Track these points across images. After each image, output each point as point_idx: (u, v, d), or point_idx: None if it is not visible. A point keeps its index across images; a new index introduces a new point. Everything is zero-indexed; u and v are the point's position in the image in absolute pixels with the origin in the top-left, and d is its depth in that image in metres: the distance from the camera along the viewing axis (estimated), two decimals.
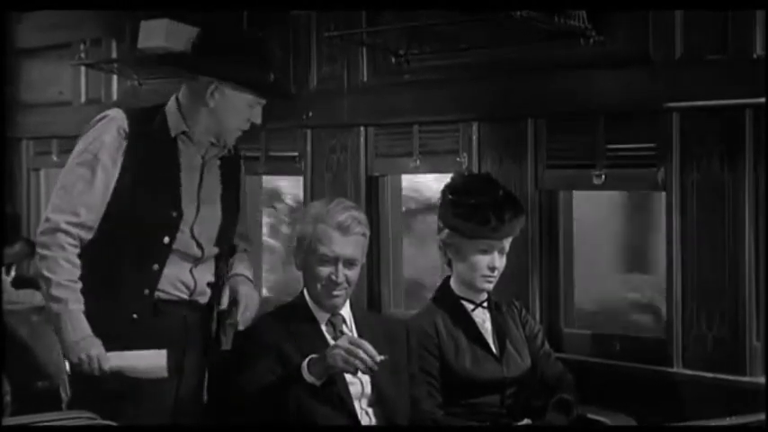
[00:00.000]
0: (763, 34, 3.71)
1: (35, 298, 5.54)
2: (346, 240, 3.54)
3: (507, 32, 4.21)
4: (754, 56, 3.72)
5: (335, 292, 3.55)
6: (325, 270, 3.54)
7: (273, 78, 3.61)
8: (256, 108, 3.59)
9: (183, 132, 3.60)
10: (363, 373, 3.34)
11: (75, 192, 3.50)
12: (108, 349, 3.45)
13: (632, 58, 4.01)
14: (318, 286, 3.56)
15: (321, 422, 3.40)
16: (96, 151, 3.51)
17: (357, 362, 3.26)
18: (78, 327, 3.45)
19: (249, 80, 3.53)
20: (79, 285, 3.47)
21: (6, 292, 5.37)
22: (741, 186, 3.77)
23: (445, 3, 4.23)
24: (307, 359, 3.33)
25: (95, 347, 3.44)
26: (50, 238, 3.46)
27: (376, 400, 3.53)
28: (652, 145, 4.00)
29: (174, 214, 3.56)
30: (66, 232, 3.47)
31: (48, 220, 3.49)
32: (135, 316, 3.53)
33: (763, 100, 3.67)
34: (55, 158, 6.50)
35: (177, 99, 3.63)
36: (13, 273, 5.64)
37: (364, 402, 3.52)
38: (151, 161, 3.55)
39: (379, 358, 3.28)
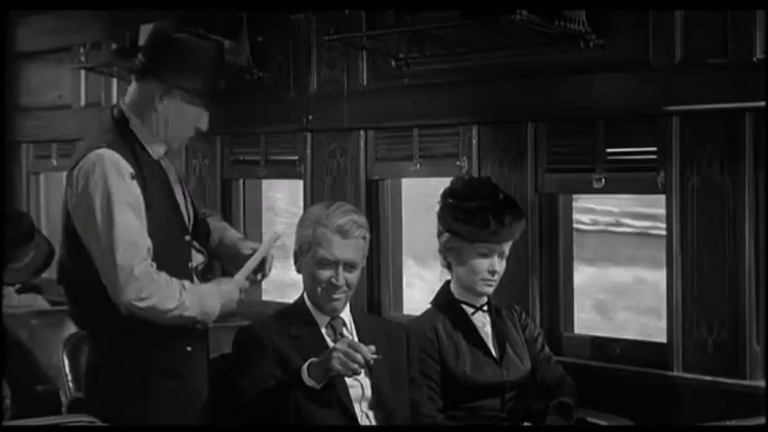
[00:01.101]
0: (763, 37, 3.71)
1: (36, 302, 5.54)
2: (346, 244, 3.54)
3: (507, 36, 4.20)
4: (755, 59, 3.72)
5: (335, 296, 3.56)
6: (325, 273, 3.54)
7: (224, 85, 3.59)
8: (204, 115, 3.55)
9: (165, 152, 3.55)
10: (358, 374, 3.34)
11: (132, 242, 3.34)
12: (159, 383, 3.47)
13: (632, 62, 4.01)
14: (318, 289, 3.56)
15: (321, 425, 3.40)
16: (126, 199, 3.36)
17: (355, 365, 3.26)
18: (211, 293, 3.47)
19: (203, 89, 3.48)
20: (187, 283, 3.44)
21: (7, 295, 5.37)
22: (741, 190, 3.77)
23: (445, 5, 4.23)
24: (306, 363, 3.34)
25: (233, 290, 3.51)
26: (141, 279, 3.32)
27: (376, 404, 3.53)
28: (652, 149, 4.00)
29: (188, 238, 3.55)
30: (144, 262, 3.35)
31: (123, 269, 3.32)
32: (189, 348, 3.52)
33: (763, 104, 3.67)
34: (54, 162, 6.50)
35: (133, 112, 3.51)
36: (18, 285, 5.60)
37: (364, 405, 3.52)
38: (155, 196, 3.46)
39: (372, 357, 3.27)
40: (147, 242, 3.37)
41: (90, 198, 3.36)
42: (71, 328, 4.84)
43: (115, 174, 3.36)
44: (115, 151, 3.40)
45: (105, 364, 3.53)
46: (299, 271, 3.64)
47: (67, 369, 4.02)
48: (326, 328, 3.60)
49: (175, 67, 3.46)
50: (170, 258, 3.44)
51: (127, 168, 3.38)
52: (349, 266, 3.55)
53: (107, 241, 3.34)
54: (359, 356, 3.27)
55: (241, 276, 3.56)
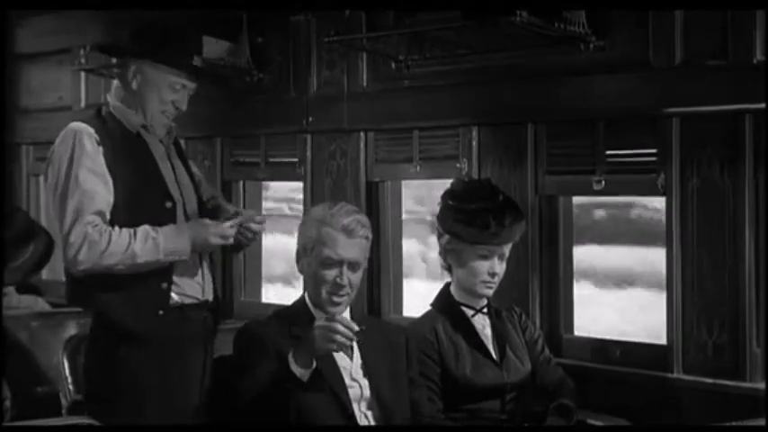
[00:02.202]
0: (763, 39, 3.71)
1: (37, 303, 5.53)
2: (351, 243, 3.53)
3: (507, 38, 4.21)
4: (755, 61, 3.72)
5: (339, 296, 3.53)
6: (330, 273, 3.53)
7: (200, 64, 3.78)
8: (180, 92, 3.71)
9: (143, 126, 3.71)
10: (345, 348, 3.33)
11: (77, 208, 3.53)
12: (133, 345, 3.59)
13: (632, 63, 4.01)
14: (323, 290, 3.54)
15: (321, 425, 3.40)
16: (85, 163, 3.57)
17: (337, 336, 3.23)
18: (176, 234, 3.57)
19: (166, 59, 3.67)
20: (144, 229, 3.55)
21: (8, 295, 5.35)
22: (741, 191, 3.77)
23: (446, 6, 4.23)
24: (291, 351, 3.30)
25: (204, 229, 3.61)
26: (76, 243, 3.51)
27: (375, 404, 3.52)
28: (652, 150, 4.00)
29: (169, 204, 3.66)
30: (91, 224, 3.53)
31: (62, 236, 3.55)
32: (161, 312, 3.62)
33: (763, 105, 3.67)
34: None
35: (115, 96, 3.74)
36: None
37: (363, 405, 3.51)
38: (129, 162, 3.64)
39: (356, 328, 3.26)
40: (99, 206, 3.55)
41: (52, 163, 3.64)
42: (71, 330, 4.84)
43: (78, 140, 3.60)
44: (87, 124, 3.65)
45: (92, 344, 3.73)
46: (301, 271, 3.63)
47: (68, 371, 4.03)
48: None
49: (148, 41, 3.70)
50: (150, 221, 3.58)
51: (92, 134, 3.61)
52: (353, 266, 3.54)
53: (57, 210, 3.59)
54: (338, 327, 3.23)
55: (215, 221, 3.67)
